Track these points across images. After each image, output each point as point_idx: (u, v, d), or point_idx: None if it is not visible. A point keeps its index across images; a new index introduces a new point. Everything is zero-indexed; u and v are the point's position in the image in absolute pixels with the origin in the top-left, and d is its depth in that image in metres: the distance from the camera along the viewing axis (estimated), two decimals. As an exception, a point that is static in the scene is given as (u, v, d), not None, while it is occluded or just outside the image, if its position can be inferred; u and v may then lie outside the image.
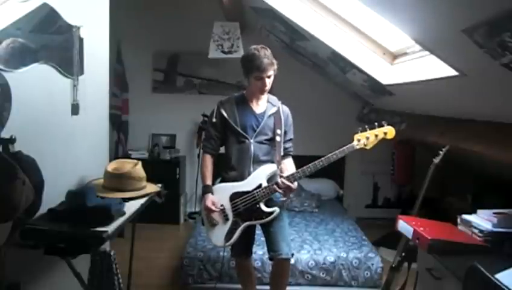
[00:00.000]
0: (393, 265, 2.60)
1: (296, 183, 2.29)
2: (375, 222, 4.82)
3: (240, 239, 2.39)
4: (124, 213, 2.03)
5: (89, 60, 2.48)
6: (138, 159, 2.62)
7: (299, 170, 2.29)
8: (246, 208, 2.34)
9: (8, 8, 1.75)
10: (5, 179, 1.49)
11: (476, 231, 1.89)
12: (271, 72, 2.34)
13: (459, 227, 2.02)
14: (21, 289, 1.80)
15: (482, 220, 1.90)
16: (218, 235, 2.42)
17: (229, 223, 2.38)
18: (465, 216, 2.00)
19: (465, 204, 3.40)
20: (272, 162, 2.41)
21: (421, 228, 1.91)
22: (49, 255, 1.79)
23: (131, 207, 2.15)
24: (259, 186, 2.33)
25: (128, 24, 4.80)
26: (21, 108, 1.83)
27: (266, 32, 4.59)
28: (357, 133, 2.28)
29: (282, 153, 2.44)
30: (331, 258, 3.05)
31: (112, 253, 1.91)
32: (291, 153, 2.53)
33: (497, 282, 1.31)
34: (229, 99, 2.49)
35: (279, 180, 2.29)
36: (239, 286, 2.79)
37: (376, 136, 2.25)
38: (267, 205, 2.35)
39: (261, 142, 2.40)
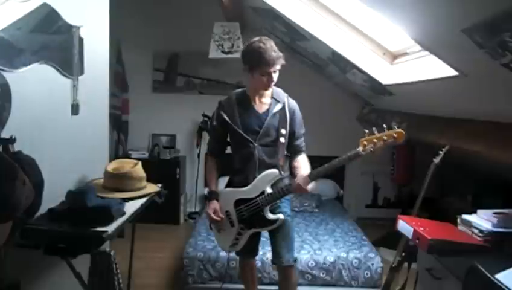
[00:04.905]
0: (393, 265, 2.60)
1: (310, 186, 2.14)
2: (375, 222, 4.82)
3: (246, 242, 2.35)
4: (124, 213, 2.04)
5: (89, 60, 2.48)
6: (138, 159, 2.63)
7: (309, 172, 2.17)
8: (250, 214, 2.26)
9: (8, 8, 1.75)
10: (5, 179, 1.49)
11: (476, 231, 1.89)
12: (279, 66, 2.18)
13: (459, 227, 2.02)
14: (21, 288, 1.80)
15: (482, 220, 1.90)
16: (224, 241, 2.38)
17: (235, 229, 2.32)
18: (465, 216, 2.00)
19: (465, 204, 3.40)
20: (276, 165, 2.27)
21: (421, 228, 1.91)
22: (49, 255, 1.80)
23: (131, 207, 2.15)
24: (263, 193, 2.23)
25: (128, 24, 4.80)
26: (21, 108, 1.83)
27: (266, 32, 4.59)
28: (363, 136, 2.05)
29: (290, 152, 2.33)
30: (331, 258, 3.04)
31: (112, 253, 1.91)
32: (303, 150, 2.37)
33: (497, 282, 1.31)
34: (229, 99, 2.35)
35: (294, 184, 2.16)
36: (240, 286, 2.79)
37: (384, 140, 2.02)
38: (272, 212, 2.27)
39: (265, 145, 2.26)
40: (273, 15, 3.53)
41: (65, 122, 2.28)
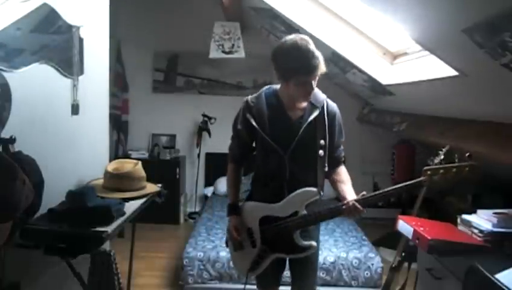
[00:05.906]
0: (393, 265, 2.59)
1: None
2: (375, 222, 4.81)
3: (269, 268, 1.99)
4: (124, 213, 2.04)
5: (89, 60, 2.48)
6: (138, 159, 2.63)
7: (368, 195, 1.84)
8: (276, 237, 1.92)
9: (8, 8, 1.75)
10: (5, 179, 1.49)
11: (476, 231, 1.89)
12: (319, 72, 1.76)
13: (459, 227, 2.02)
14: (21, 288, 1.80)
15: (482, 220, 1.90)
16: (242, 262, 2.02)
17: (256, 250, 1.96)
18: (465, 216, 2.00)
19: (465, 204, 3.40)
20: (313, 184, 1.92)
21: (421, 228, 1.91)
22: (49, 255, 1.80)
23: (131, 207, 2.15)
24: (295, 213, 1.88)
25: (128, 24, 4.81)
26: (21, 108, 1.83)
27: (266, 32, 4.59)
28: (428, 165, 1.81)
29: (328, 164, 1.95)
30: (331, 258, 3.04)
31: (111, 253, 1.91)
32: (342, 160, 2.04)
33: (497, 282, 1.31)
34: (258, 99, 1.93)
35: (350, 201, 1.84)
36: (239, 286, 2.79)
37: (454, 173, 1.75)
38: (302, 237, 1.93)
39: (299, 159, 1.88)
40: (273, 15, 3.53)
41: (65, 122, 2.28)
